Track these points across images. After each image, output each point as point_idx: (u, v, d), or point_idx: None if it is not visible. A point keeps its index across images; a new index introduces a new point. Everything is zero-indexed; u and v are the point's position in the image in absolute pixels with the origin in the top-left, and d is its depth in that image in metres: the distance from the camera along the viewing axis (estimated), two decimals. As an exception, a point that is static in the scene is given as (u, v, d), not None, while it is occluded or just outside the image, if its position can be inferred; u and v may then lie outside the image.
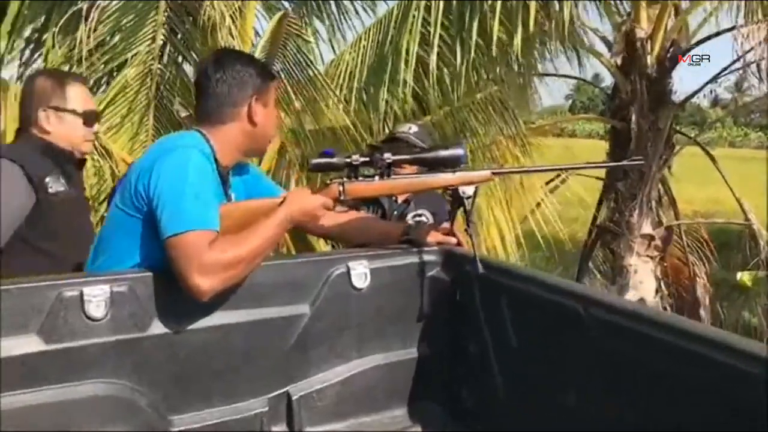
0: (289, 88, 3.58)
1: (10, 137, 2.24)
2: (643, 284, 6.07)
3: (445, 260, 1.89)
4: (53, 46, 3.67)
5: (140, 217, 1.58)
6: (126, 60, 3.88)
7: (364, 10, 4.68)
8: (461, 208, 1.81)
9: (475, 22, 4.22)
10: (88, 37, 3.50)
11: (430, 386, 1.90)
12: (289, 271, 1.75)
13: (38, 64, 3.97)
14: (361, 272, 1.80)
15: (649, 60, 5.92)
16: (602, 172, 6.40)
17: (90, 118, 2.15)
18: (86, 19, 3.51)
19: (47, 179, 2.01)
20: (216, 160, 1.69)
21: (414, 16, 3.86)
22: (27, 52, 4.03)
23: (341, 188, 1.72)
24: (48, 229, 1.99)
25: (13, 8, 3.59)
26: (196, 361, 1.63)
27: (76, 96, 2.13)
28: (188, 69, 4.11)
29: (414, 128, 3.07)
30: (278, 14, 3.15)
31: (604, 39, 6.45)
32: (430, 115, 4.67)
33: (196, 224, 1.51)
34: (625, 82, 5.97)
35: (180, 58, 4.12)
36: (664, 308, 6.03)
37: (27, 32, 3.89)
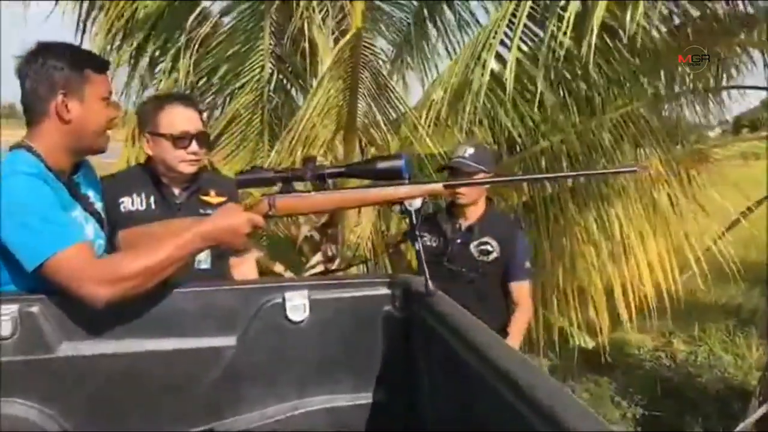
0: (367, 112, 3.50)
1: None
2: None
3: (397, 292, 1.65)
4: (167, 73, 3.94)
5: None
6: (236, 89, 4.05)
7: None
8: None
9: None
10: (194, 68, 3.71)
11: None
12: (216, 299, 1.63)
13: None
14: (298, 304, 1.63)
15: None
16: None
17: (180, 140, 2.14)
18: (194, 48, 3.72)
19: (122, 199, 2.13)
20: (51, 169, 1.60)
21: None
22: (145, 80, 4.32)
23: (271, 203, 1.58)
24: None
25: (135, 36, 3.91)
26: (111, 389, 1.57)
27: (169, 119, 2.16)
28: (296, 96, 4.20)
29: (470, 150, 2.75)
30: (350, 34, 3.07)
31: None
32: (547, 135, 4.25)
33: (57, 245, 1.46)
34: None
35: (288, 85, 4.22)
36: None
37: (145, 61, 4.18)
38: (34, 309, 1.52)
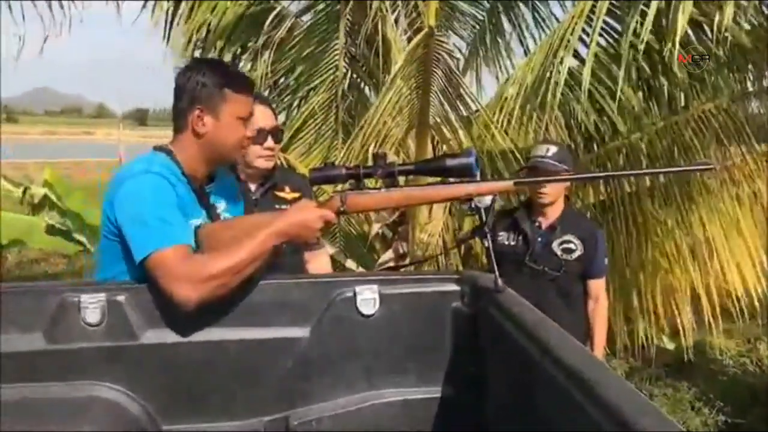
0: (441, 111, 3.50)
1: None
2: None
3: (466, 288, 1.66)
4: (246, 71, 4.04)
5: (119, 240, 1.66)
6: (311, 89, 4.13)
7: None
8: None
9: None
10: (272, 68, 3.81)
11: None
12: (289, 292, 1.69)
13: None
14: (368, 298, 1.67)
15: None
16: None
17: (257, 136, 2.20)
18: (272, 49, 3.83)
19: None
20: (187, 175, 1.71)
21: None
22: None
23: (342, 200, 1.62)
24: None
25: (215, 44, 4.04)
26: (190, 375, 1.65)
27: None
28: (369, 94, 4.24)
29: (553, 149, 2.73)
30: (422, 33, 3.08)
31: None
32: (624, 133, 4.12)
33: (163, 242, 1.55)
34: None
35: (362, 84, 4.26)
36: None
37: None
38: (121, 298, 1.62)
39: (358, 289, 1.67)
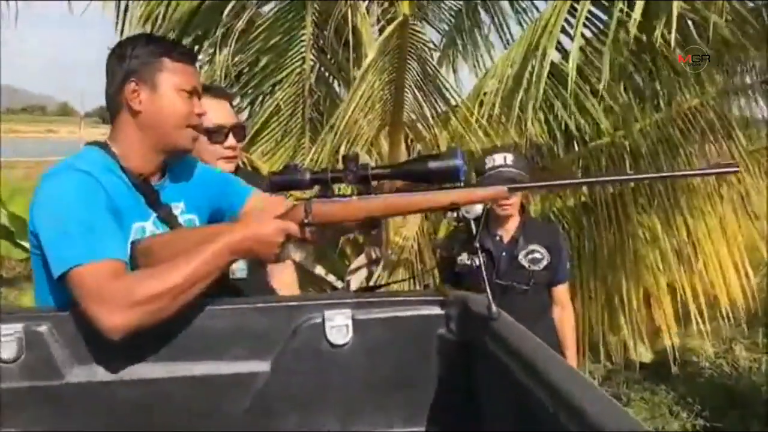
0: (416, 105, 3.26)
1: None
2: None
3: (453, 312, 1.42)
4: (203, 68, 3.77)
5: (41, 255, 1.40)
6: (276, 83, 3.87)
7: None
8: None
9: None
10: (233, 59, 3.54)
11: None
12: (246, 318, 1.42)
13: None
14: (340, 324, 1.42)
15: None
16: None
17: (215, 134, 2.04)
18: (232, 40, 3.56)
19: None
20: (126, 169, 1.46)
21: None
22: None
23: (307, 210, 1.38)
24: None
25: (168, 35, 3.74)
26: (126, 420, 1.38)
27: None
28: (338, 90, 4.00)
29: (510, 157, 2.57)
30: (396, 21, 2.84)
31: None
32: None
33: (84, 257, 1.29)
34: None
35: (331, 79, 4.02)
36: None
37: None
38: (42, 328, 1.35)
39: (327, 314, 1.42)
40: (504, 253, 2.60)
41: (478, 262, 1.34)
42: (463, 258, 2.58)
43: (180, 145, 1.52)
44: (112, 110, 1.51)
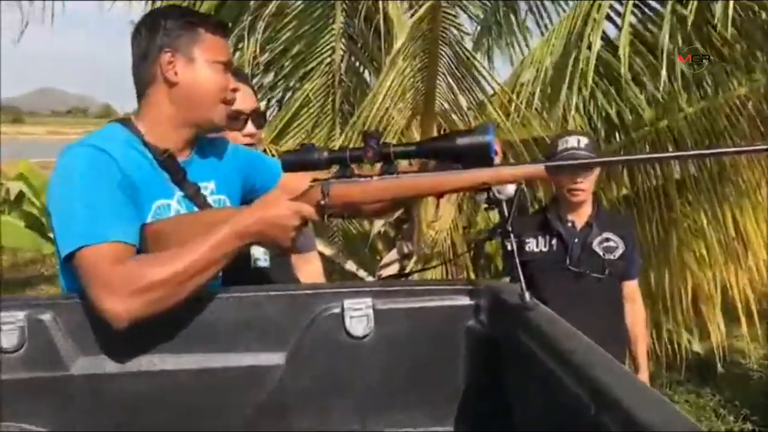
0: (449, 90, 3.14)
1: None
2: None
3: (483, 303, 1.31)
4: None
5: None
6: (306, 73, 3.78)
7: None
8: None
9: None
10: (261, 51, 3.47)
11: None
12: (260, 308, 1.33)
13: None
14: (361, 314, 1.31)
15: None
16: None
17: (234, 120, 1.92)
18: (259, 30, 3.49)
19: None
20: (150, 145, 1.38)
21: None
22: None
23: (324, 191, 1.28)
24: None
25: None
26: (133, 413, 1.30)
27: None
28: (369, 80, 3.90)
29: (584, 140, 2.43)
30: (427, 4, 2.72)
31: None
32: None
33: (87, 238, 1.22)
34: None
35: (362, 68, 3.92)
36: None
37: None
38: (46, 317, 1.28)
39: (346, 303, 1.32)
40: (576, 239, 2.47)
41: (511, 246, 1.21)
42: (532, 245, 2.49)
43: (214, 119, 1.45)
44: (142, 84, 1.44)
